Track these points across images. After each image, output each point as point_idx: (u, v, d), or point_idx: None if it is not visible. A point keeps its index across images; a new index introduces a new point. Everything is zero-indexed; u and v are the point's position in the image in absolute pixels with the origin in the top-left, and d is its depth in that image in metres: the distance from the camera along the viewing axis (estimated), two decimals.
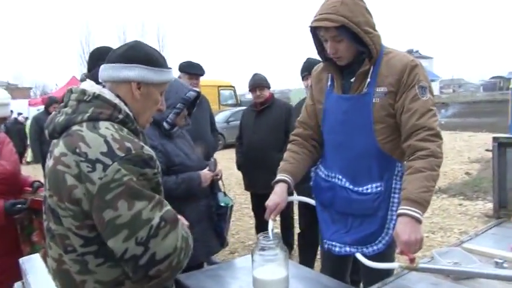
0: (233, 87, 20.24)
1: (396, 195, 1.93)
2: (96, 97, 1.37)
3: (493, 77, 69.08)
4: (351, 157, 1.98)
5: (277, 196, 1.99)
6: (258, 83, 4.15)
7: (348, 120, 1.96)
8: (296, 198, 2.37)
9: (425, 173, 1.74)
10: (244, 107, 12.87)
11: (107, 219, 1.22)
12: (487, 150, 9.50)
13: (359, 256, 1.84)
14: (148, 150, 1.33)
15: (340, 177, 2.04)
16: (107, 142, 1.26)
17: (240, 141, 4.44)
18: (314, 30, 1.93)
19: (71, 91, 1.41)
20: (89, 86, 1.41)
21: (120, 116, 1.37)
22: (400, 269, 1.62)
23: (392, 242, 1.89)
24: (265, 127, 4.00)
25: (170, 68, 1.52)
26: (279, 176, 2.07)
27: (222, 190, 3.01)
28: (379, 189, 1.94)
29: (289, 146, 2.21)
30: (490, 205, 2.49)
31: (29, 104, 18.46)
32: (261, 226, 4.03)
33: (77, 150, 1.26)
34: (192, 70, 3.95)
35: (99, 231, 1.26)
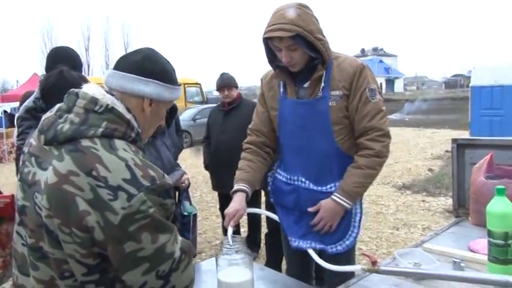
0: (199, 84, 20.14)
1: None
2: (110, 110, 1.22)
3: (454, 75, 71.58)
4: (313, 159, 2.06)
5: (236, 204, 2.01)
6: (226, 83, 4.15)
7: (306, 125, 2.03)
8: (255, 210, 2.38)
9: (364, 171, 1.97)
10: (211, 105, 12.85)
11: (127, 251, 1.13)
12: (446, 151, 9.85)
13: (321, 261, 1.89)
14: (168, 179, 1.23)
15: (303, 179, 2.10)
16: (129, 168, 1.15)
17: (207, 140, 4.43)
18: (266, 40, 1.97)
19: (76, 95, 1.25)
20: (100, 94, 1.25)
21: (133, 135, 1.26)
22: (362, 271, 1.65)
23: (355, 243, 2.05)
24: (233, 127, 3.99)
25: (180, 85, 1.44)
26: (236, 186, 2.10)
27: (190, 199, 3.01)
28: None
29: (243, 154, 2.24)
30: (451, 201, 2.58)
31: None
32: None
33: (93, 173, 1.12)
34: None
35: (101, 259, 1.17)
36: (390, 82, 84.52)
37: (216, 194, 4.79)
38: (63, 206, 1.12)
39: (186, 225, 2.88)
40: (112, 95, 1.27)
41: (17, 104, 9.09)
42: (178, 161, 3.41)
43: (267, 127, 2.22)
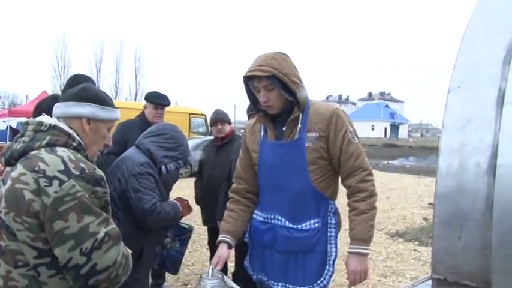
0: (204, 115, 20.21)
1: (332, 230, 2.16)
2: (53, 127, 1.54)
3: None
4: (289, 197, 2.15)
5: (221, 254, 2.21)
6: (220, 118, 4.26)
7: (282, 164, 2.15)
8: (230, 283, 2.18)
9: (368, 214, 2.07)
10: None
11: (56, 229, 1.36)
12: (430, 204, 9.78)
13: None
14: (99, 171, 1.50)
15: (279, 217, 2.18)
16: (63, 162, 1.43)
17: (199, 175, 4.50)
18: (247, 83, 2.14)
19: (27, 123, 1.57)
20: (46, 118, 1.59)
21: (74, 144, 1.55)
22: None
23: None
24: (225, 162, 4.05)
25: (117, 108, 1.74)
26: (220, 237, 2.29)
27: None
28: (316, 225, 2.13)
29: (227, 204, 2.40)
30: None
31: None
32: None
33: (36, 169, 1.40)
34: (158, 100, 4.02)
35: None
36: (395, 127, 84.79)
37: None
38: (15, 200, 1.40)
39: (185, 240, 3.08)
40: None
41: (24, 119, 9.24)
42: (176, 191, 3.48)
43: (247, 172, 2.35)
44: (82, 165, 1.46)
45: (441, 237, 1.17)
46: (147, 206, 2.57)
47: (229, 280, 2.15)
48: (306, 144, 2.09)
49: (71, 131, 1.57)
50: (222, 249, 2.23)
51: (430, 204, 9.61)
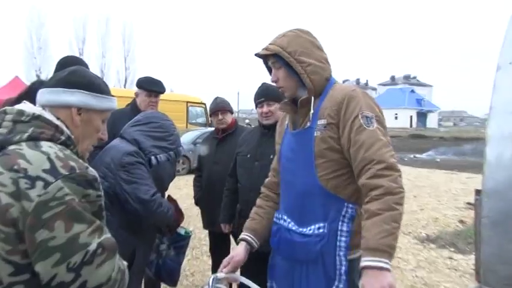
0: (204, 104, 20.19)
1: (343, 239, 2.00)
2: (36, 117, 1.46)
3: None
4: (296, 196, 2.12)
5: (235, 254, 2.17)
6: (220, 106, 4.19)
7: (293, 157, 2.13)
8: (249, 282, 2.16)
9: (382, 215, 1.79)
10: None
11: (39, 240, 1.27)
12: (468, 203, 9.69)
13: None
14: (92, 171, 1.43)
15: (285, 217, 2.17)
16: (50, 160, 1.35)
17: (198, 173, 4.47)
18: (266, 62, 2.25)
19: (4, 112, 1.47)
20: (28, 107, 1.50)
21: (62, 138, 1.47)
22: None
23: None
24: (227, 157, 3.97)
25: (113, 96, 1.66)
26: (241, 235, 2.27)
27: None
28: (321, 230, 2.02)
29: (257, 200, 2.42)
30: None
31: None
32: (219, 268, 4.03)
33: (15, 167, 1.32)
34: (151, 87, 3.99)
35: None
36: (422, 116, 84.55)
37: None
38: None
39: (182, 248, 3.05)
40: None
41: None
42: (172, 190, 3.46)
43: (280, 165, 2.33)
44: (72, 163, 1.38)
45: (492, 241, 1.12)
46: (146, 197, 2.57)
47: (241, 277, 2.11)
48: (315, 134, 2.04)
49: (58, 123, 1.49)
50: (239, 249, 2.19)
51: (469, 204, 9.53)
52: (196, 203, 4.54)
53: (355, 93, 2.01)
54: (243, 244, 2.21)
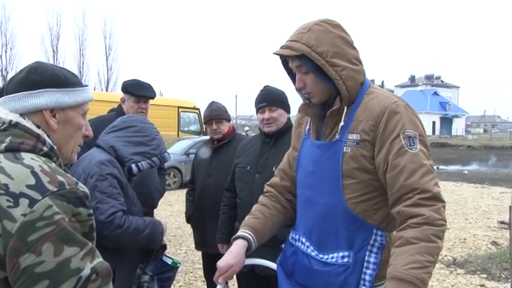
0: (198, 110, 20.10)
1: (368, 271, 1.97)
2: (15, 125, 1.43)
3: None
4: (315, 217, 2.09)
5: (231, 256, 2.09)
6: (215, 114, 4.14)
7: (316, 172, 2.08)
8: (256, 261, 2.33)
9: (417, 244, 1.77)
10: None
11: (23, 266, 1.24)
12: (501, 222, 9.63)
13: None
14: (82, 186, 1.41)
15: (303, 240, 2.13)
16: (34, 174, 1.32)
17: (191, 186, 4.47)
18: (284, 61, 2.10)
19: None
20: (3, 113, 1.46)
21: (45, 149, 1.44)
22: None
23: None
24: (222, 169, 3.97)
25: (86, 86, 1.63)
26: (239, 232, 2.18)
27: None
28: (345, 260, 2.00)
29: (260, 198, 2.34)
30: None
31: None
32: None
33: None
34: (140, 91, 3.92)
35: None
36: (447, 121, 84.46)
37: None
38: None
39: (166, 281, 2.94)
40: None
41: None
42: (162, 206, 3.43)
43: (294, 171, 2.29)
44: (60, 178, 1.35)
45: None
46: (102, 218, 2.51)
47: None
48: (344, 149, 1.99)
49: (39, 132, 1.45)
50: (236, 250, 2.11)
51: (502, 223, 9.49)
52: (188, 220, 4.54)
53: (397, 106, 1.96)
54: (242, 244, 2.13)
